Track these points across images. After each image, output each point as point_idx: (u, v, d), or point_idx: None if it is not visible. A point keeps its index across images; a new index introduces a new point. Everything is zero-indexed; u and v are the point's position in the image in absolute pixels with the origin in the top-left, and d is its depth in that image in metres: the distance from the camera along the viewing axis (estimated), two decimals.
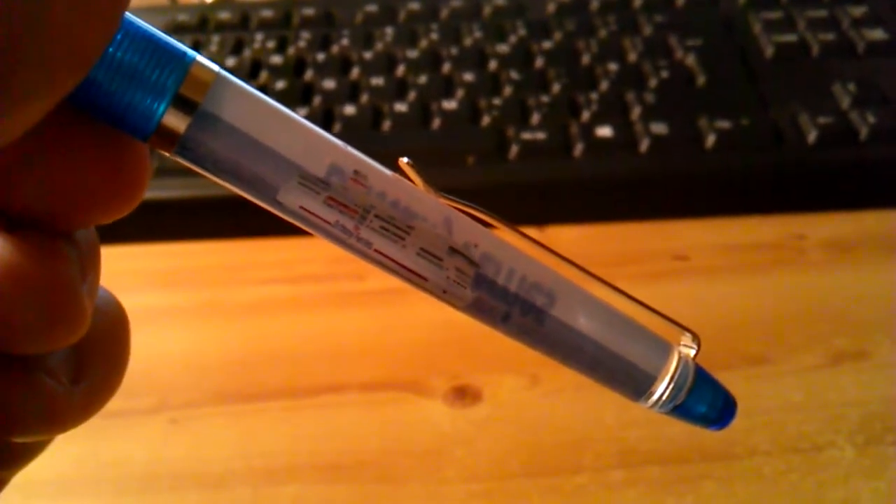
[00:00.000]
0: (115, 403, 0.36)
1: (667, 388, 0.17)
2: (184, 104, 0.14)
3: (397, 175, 0.16)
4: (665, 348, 0.18)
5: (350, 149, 0.15)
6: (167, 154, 0.14)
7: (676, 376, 0.17)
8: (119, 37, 0.13)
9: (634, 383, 0.17)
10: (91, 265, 0.14)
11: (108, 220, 0.14)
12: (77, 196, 0.13)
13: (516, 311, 0.17)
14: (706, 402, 0.18)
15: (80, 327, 0.14)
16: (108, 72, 0.13)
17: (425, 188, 0.16)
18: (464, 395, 0.34)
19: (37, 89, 0.11)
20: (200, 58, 0.14)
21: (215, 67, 0.14)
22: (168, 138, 0.14)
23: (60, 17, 0.11)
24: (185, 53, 0.14)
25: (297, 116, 0.15)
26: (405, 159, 0.16)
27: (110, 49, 0.13)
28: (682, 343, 0.18)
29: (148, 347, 0.36)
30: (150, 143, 0.14)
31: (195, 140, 0.14)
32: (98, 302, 0.15)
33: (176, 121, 0.14)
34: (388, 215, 0.15)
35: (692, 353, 0.18)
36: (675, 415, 0.18)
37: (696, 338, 0.18)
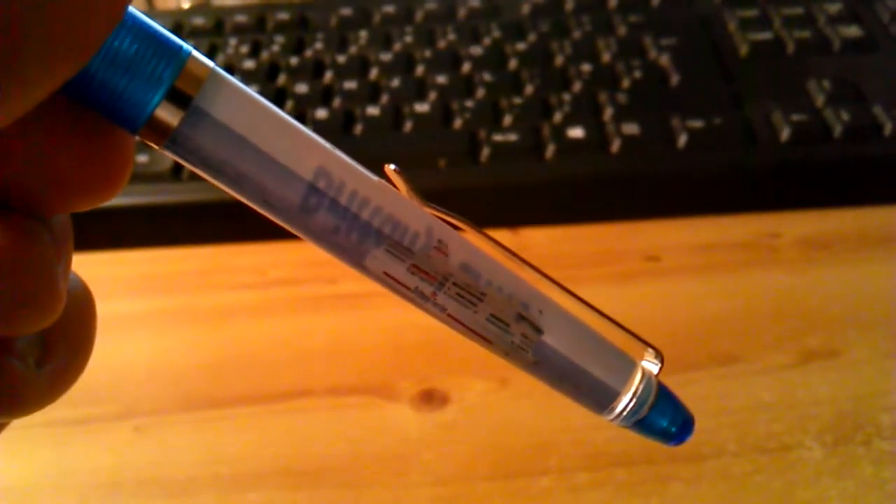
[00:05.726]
0: (80, 410, 0.36)
1: (629, 402, 0.18)
2: (177, 98, 0.14)
3: (473, 244, 0.17)
4: (629, 364, 0.18)
5: (339, 153, 0.15)
6: (156, 147, 0.14)
7: (639, 392, 0.18)
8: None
9: (598, 397, 0.18)
10: (65, 250, 0.14)
11: (87, 208, 0.14)
12: (58, 181, 0.13)
13: None
14: (667, 417, 0.18)
15: (54, 311, 0.14)
16: (105, 61, 0.13)
17: (409, 195, 0.16)
18: (431, 398, 0.34)
19: (36, 77, 0.11)
20: (196, 52, 0.14)
21: (210, 63, 0.14)
22: (159, 131, 0.14)
23: (65, 4, 0.11)
24: (181, 47, 0.14)
25: (288, 117, 0.15)
26: (392, 166, 0.16)
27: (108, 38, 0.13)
28: (645, 359, 0.19)
29: (114, 354, 0.36)
30: (139, 135, 0.14)
31: (185, 135, 0.14)
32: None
33: (168, 114, 0.14)
34: (465, 283, 0.16)
35: (655, 369, 0.19)
36: (636, 429, 0.19)
37: (659, 354, 0.19)
